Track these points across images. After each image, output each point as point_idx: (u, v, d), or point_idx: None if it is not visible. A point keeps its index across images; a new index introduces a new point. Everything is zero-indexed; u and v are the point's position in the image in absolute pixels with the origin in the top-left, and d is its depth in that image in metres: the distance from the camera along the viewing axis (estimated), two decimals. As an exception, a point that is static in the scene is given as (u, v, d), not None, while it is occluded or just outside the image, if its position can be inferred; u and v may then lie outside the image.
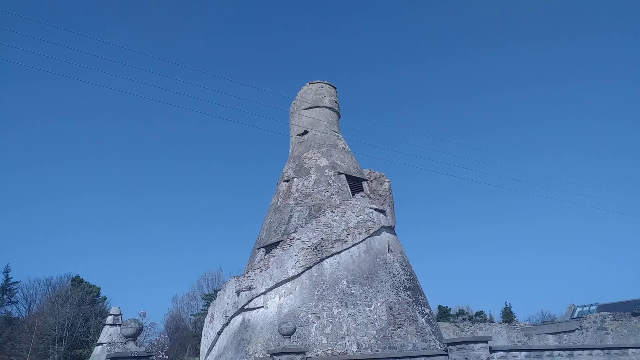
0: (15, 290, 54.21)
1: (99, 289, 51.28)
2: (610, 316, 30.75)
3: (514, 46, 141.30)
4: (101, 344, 33.12)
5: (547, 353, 13.55)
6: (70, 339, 41.45)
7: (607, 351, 14.99)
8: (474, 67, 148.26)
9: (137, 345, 10.53)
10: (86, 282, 50.31)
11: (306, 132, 22.41)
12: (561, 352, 13.84)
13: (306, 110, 22.79)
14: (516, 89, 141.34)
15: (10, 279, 54.44)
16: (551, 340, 31.14)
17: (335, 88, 24.00)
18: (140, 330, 10.76)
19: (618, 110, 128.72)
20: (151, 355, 11.11)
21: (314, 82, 23.52)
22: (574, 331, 31.14)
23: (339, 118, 23.77)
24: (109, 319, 34.87)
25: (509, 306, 65.05)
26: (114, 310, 35.93)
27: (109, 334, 33.46)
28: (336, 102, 23.63)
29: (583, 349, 14.53)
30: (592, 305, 41.83)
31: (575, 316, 40.35)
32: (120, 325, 32.04)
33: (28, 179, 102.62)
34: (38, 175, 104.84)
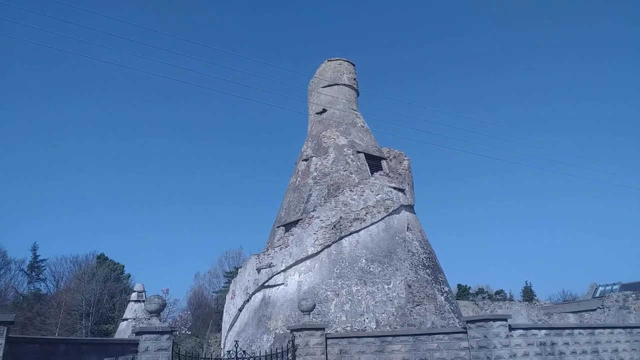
0: (43, 268, 56.04)
1: (123, 266, 52.59)
2: (633, 295, 30.40)
3: (537, 21, 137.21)
4: (126, 319, 34.10)
5: (567, 331, 13.46)
6: (97, 314, 42.75)
7: (628, 330, 14.86)
8: (495, 41, 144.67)
9: (160, 321, 10.80)
10: (110, 260, 51.59)
11: (324, 110, 22.29)
12: (581, 331, 13.75)
13: (324, 88, 22.61)
14: (542, 64, 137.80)
15: (37, 256, 56.27)
16: (572, 319, 31.00)
17: (354, 65, 23.72)
18: (163, 306, 11.02)
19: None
20: (174, 330, 11.38)
21: (332, 59, 23.27)
22: (595, 310, 30.93)
23: (358, 95, 23.55)
24: (133, 296, 35.81)
25: (529, 285, 64.69)
26: (137, 287, 36.86)
27: (133, 309, 34.39)
28: (355, 79, 23.38)
29: (604, 327, 14.42)
30: (614, 284, 41.29)
31: (597, 295, 39.93)
32: (144, 301, 32.85)
33: (53, 155, 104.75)
34: (63, 153, 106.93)
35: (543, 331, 13.05)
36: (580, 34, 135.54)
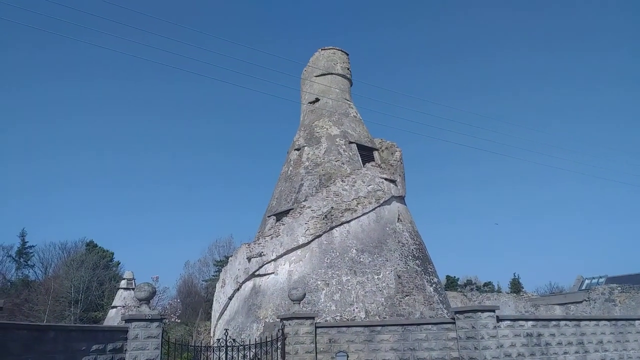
0: (32, 254, 55.50)
1: (112, 253, 52.27)
2: (619, 288, 30.86)
3: (530, 6, 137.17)
4: (115, 306, 33.97)
5: (554, 323, 13.65)
6: (86, 301, 42.58)
7: (613, 322, 15.08)
8: (487, 28, 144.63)
9: (150, 309, 10.77)
10: (99, 247, 51.27)
11: (317, 100, 22.21)
12: (567, 322, 13.94)
13: (317, 77, 22.52)
14: (536, 52, 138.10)
15: (26, 242, 55.69)
16: (558, 311, 31.44)
17: (348, 54, 23.62)
18: (153, 293, 11.00)
19: (630, 78, 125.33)
20: (164, 318, 11.38)
21: (326, 47, 23.15)
22: (581, 302, 31.37)
23: (351, 85, 23.49)
24: (123, 283, 35.63)
25: (517, 277, 65.34)
26: (127, 275, 36.67)
27: (122, 297, 34.26)
28: (348, 68, 23.31)
29: (590, 319, 14.62)
30: (600, 277, 41.85)
31: (583, 288, 40.49)
32: (133, 289, 32.75)
33: (41, 141, 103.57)
34: (51, 138, 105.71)
35: (530, 322, 13.22)
36: (566, 23, 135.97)
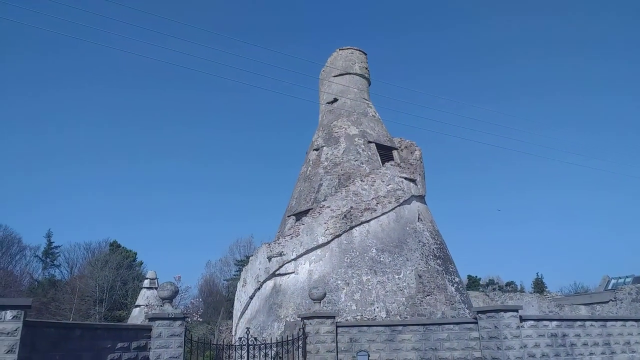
0: (57, 254, 56.80)
1: (135, 253, 53.10)
2: (646, 288, 30.07)
3: (551, 10, 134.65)
4: (139, 305, 34.49)
5: (579, 323, 13.41)
6: (110, 300, 43.39)
7: (641, 322, 14.74)
8: (508, 29, 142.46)
9: (173, 307, 10.93)
10: (123, 247, 52.14)
11: (335, 100, 22.21)
12: (593, 323, 13.68)
13: (336, 77, 22.52)
14: (555, 55, 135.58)
15: (52, 242, 57.01)
16: (583, 311, 30.82)
17: (366, 54, 23.56)
18: (175, 292, 11.16)
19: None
20: (187, 317, 11.53)
21: (344, 47, 23.13)
22: (607, 302, 30.70)
23: (369, 85, 23.43)
24: (146, 282, 36.13)
25: (540, 277, 64.32)
26: (150, 274, 37.18)
27: (145, 296, 34.76)
28: (366, 68, 23.25)
29: (616, 320, 14.33)
30: (627, 276, 40.84)
31: (610, 287, 39.57)
32: (156, 288, 33.21)
33: (67, 143, 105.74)
34: (77, 140, 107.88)
35: (554, 322, 13.02)
36: (587, 30, 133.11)
